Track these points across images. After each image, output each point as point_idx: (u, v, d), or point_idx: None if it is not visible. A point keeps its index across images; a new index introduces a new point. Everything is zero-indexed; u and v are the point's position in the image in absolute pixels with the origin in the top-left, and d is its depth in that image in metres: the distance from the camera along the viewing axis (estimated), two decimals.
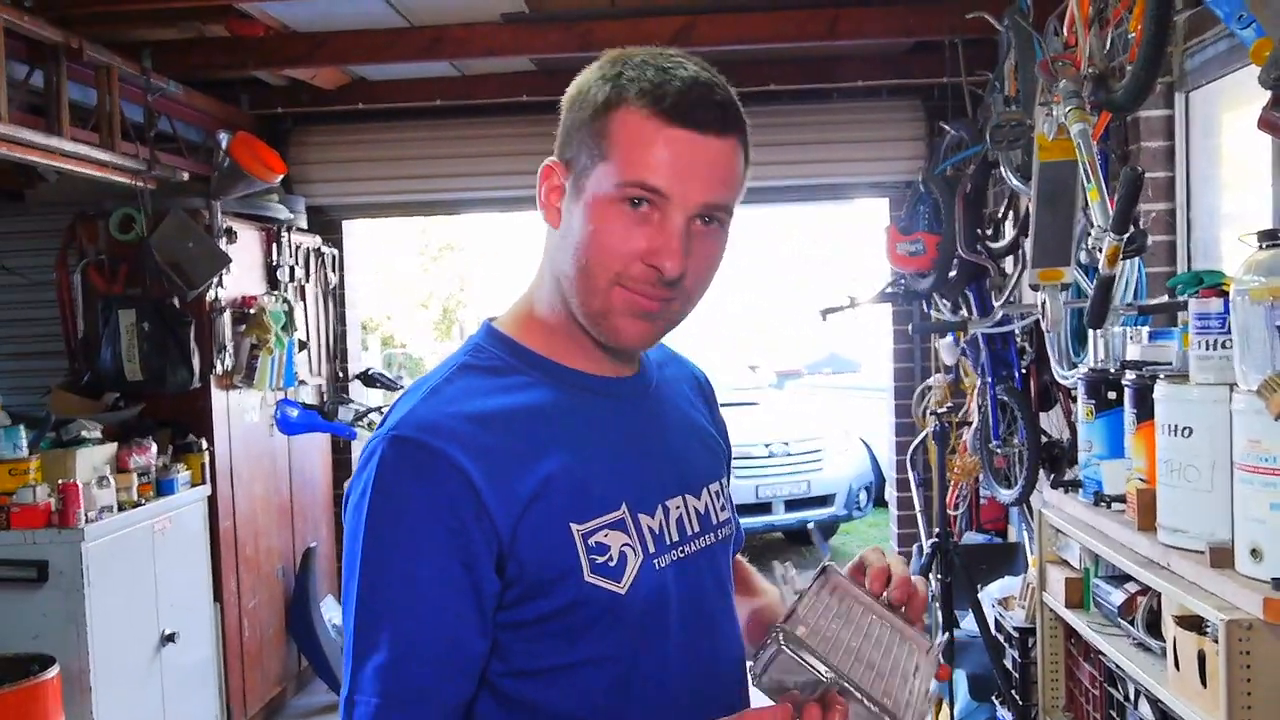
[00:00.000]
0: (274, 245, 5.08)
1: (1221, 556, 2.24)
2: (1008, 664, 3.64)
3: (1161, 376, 2.55)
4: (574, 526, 1.18)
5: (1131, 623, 2.71)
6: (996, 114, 3.36)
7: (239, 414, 4.72)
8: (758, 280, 16.61)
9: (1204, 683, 2.24)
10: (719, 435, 1.47)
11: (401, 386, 4.16)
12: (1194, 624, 2.35)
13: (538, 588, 1.17)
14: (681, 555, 1.28)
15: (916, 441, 5.46)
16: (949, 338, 4.75)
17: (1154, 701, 2.54)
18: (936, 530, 3.90)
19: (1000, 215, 4.26)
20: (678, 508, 1.30)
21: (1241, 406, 2.17)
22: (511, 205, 6.15)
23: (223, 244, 4.45)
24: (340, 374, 5.84)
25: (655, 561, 1.24)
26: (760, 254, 16.38)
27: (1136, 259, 3.19)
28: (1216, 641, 2.14)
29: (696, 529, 1.32)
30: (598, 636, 1.19)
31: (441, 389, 1.22)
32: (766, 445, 8.09)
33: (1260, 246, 2.24)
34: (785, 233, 16.43)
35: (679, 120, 1.16)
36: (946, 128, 4.48)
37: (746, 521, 9.23)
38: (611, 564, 1.20)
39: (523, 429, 1.20)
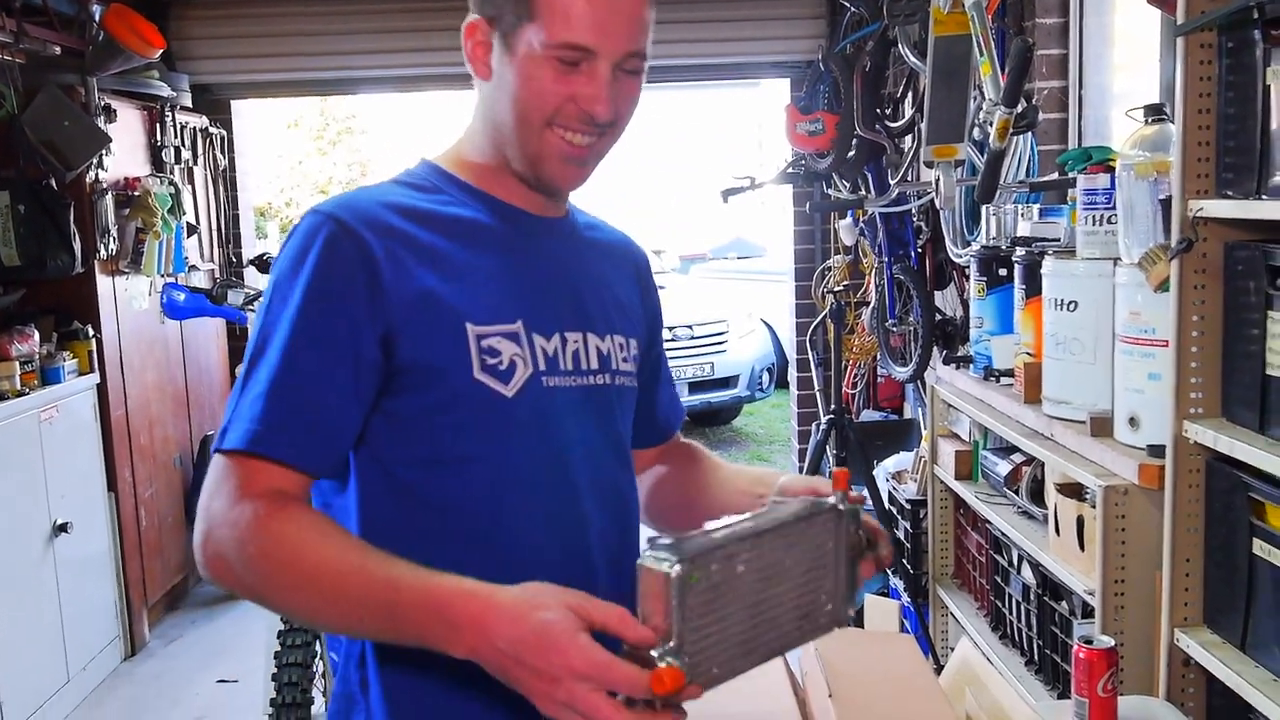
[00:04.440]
0: (157, 125, 4.87)
1: (1101, 426, 2.32)
2: (900, 535, 3.75)
3: (1049, 252, 2.60)
4: (469, 326, 1.24)
5: (1016, 492, 2.81)
6: None
7: (127, 300, 4.57)
8: (663, 163, 16.47)
9: (1082, 546, 2.34)
10: (645, 312, 1.51)
11: None
12: (1074, 491, 2.44)
13: (429, 376, 1.23)
14: (573, 384, 1.32)
15: (816, 322, 5.52)
16: (848, 218, 4.78)
17: (1035, 566, 2.64)
18: (833, 407, 3.97)
19: (899, 94, 4.26)
20: (576, 341, 1.34)
21: (1124, 280, 2.23)
22: (411, 84, 5.97)
23: (101, 123, 4.25)
24: (234, 259, 5.69)
25: (544, 379, 1.29)
26: (665, 137, 16.24)
27: (1029, 136, 3.22)
28: (1094, 507, 2.22)
29: (594, 366, 1.35)
30: (482, 434, 1.25)
31: (369, 188, 1.33)
32: (670, 329, 8.11)
33: (1145, 122, 2.27)
34: (690, 115, 16.27)
35: None
36: (847, 5, 4.44)
37: None
38: (501, 367, 1.25)
39: (436, 229, 1.29)
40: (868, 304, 4.78)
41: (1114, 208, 2.34)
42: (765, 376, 8.69)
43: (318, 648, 2.88)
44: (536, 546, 1.27)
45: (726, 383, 8.33)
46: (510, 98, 1.27)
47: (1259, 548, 1.78)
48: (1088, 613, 2.36)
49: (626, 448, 1.42)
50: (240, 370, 1.24)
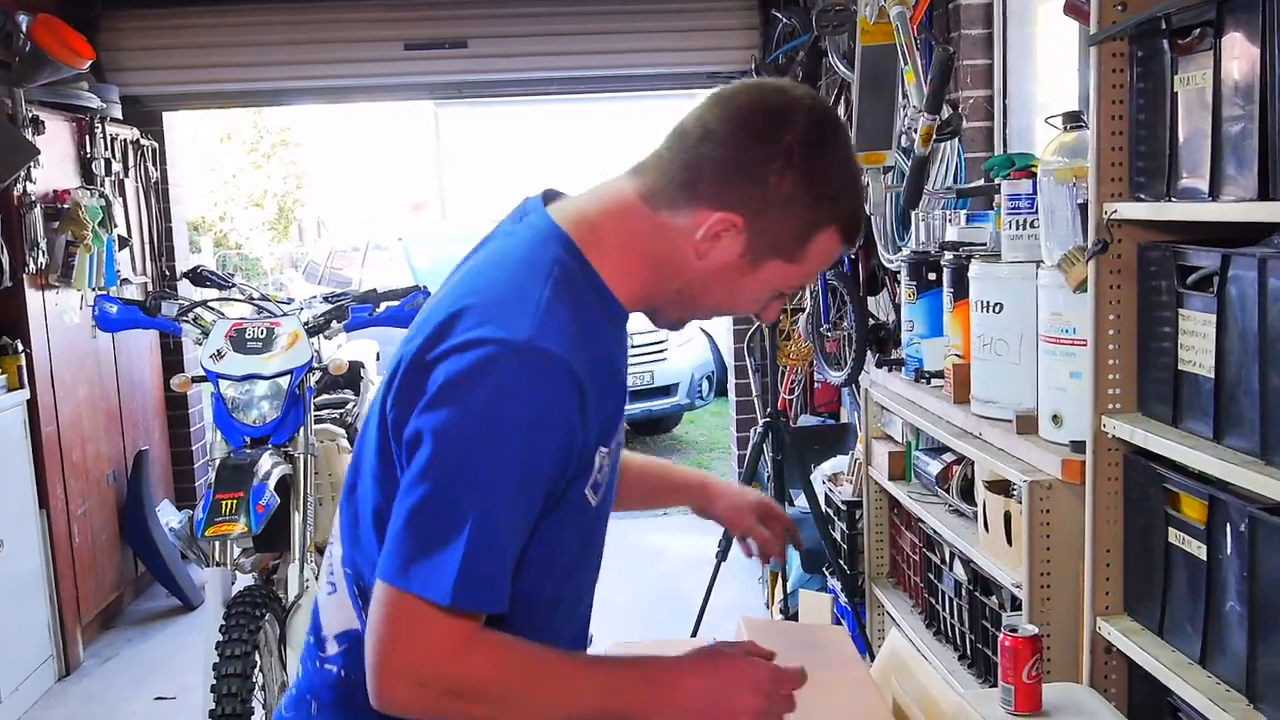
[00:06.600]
0: (87, 137, 4.81)
1: (1027, 424, 2.39)
2: (836, 536, 3.81)
3: (976, 256, 2.67)
4: (601, 450, 1.28)
5: (948, 490, 2.87)
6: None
7: (57, 315, 4.51)
8: (603, 173, 16.55)
9: (1010, 541, 2.40)
10: None
11: (232, 284, 4.02)
12: (1002, 488, 2.50)
13: (559, 496, 1.25)
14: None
15: (753, 329, 5.57)
16: None
17: (967, 562, 2.71)
18: (768, 411, 4.02)
19: (831, 103, 4.33)
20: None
21: (1046, 281, 2.29)
22: (342, 95, 5.95)
23: (29, 135, 4.20)
24: (167, 272, 5.63)
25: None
26: (605, 147, 16.32)
27: (957, 144, 3.30)
28: (1020, 502, 2.29)
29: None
30: (569, 535, 1.30)
31: (552, 309, 1.22)
32: None
33: (1064, 129, 2.35)
34: (629, 125, 16.37)
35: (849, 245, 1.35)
36: (779, 15, 4.51)
37: None
38: (600, 478, 1.30)
39: (602, 357, 1.27)
40: (803, 310, 4.84)
41: (1036, 212, 2.41)
42: (705, 384, 8.75)
43: (256, 659, 2.86)
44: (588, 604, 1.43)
45: (666, 390, 8.37)
46: (725, 296, 1.33)
47: (1174, 536, 1.85)
48: (1016, 605, 2.42)
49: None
50: (418, 510, 1.16)
